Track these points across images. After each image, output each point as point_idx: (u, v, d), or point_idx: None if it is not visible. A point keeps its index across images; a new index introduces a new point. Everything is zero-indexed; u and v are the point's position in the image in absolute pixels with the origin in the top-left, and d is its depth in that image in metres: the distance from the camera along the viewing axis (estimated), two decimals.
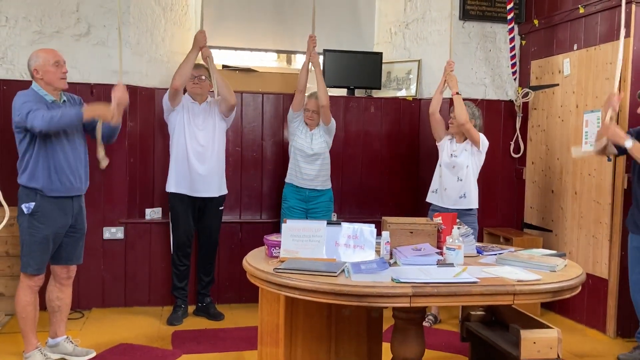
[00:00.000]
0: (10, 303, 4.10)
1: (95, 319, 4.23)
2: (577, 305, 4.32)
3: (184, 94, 4.23)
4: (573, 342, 3.91)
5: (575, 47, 4.43)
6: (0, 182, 2.88)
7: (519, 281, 2.39)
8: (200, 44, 4.06)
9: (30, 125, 3.05)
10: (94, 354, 3.49)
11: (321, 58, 4.98)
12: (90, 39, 4.36)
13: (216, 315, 4.29)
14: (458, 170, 4.06)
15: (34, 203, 3.16)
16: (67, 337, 3.49)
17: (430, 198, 4.19)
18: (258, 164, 4.85)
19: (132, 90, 4.50)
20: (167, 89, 4.61)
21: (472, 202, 4.08)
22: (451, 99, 4.10)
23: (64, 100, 3.30)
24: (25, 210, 3.17)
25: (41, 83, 3.21)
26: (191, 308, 4.38)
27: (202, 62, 4.22)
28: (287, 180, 4.36)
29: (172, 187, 4.16)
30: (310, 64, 4.20)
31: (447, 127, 4.21)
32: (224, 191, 4.31)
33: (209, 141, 4.15)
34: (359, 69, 5.07)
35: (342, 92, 5.14)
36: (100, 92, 4.37)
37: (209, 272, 4.36)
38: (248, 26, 5.28)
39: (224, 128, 4.29)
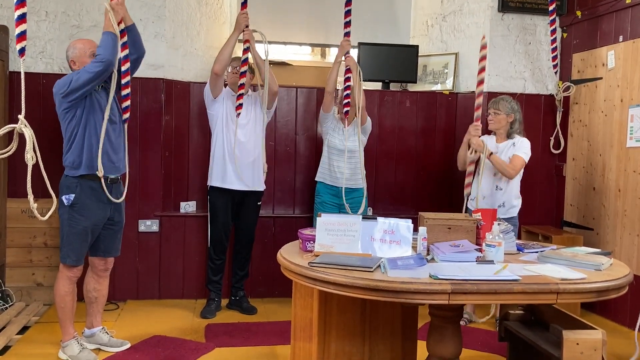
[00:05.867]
0: (49, 293, 4.19)
1: (130, 310, 4.27)
2: (620, 306, 4.17)
3: (225, 87, 4.22)
4: (616, 344, 3.78)
5: (620, 38, 4.27)
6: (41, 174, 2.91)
7: (562, 280, 2.30)
8: (241, 26, 4.00)
9: (87, 77, 3.08)
10: (128, 345, 3.52)
11: (356, 51, 4.94)
12: None
13: (249, 309, 4.29)
14: (498, 179, 3.95)
15: (73, 195, 3.21)
16: (103, 328, 3.53)
17: (469, 205, 4.10)
18: (291, 158, 4.82)
19: (168, 84, 4.54)
20: (202, 83, 4.64)
21: (512, 211, 3.97)
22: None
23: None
24: (65, 201, 3.22)
25: None
26: (224, 301, 4.40)
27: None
28: (318, 179, 4.31)
29: (214, 180, 4.16)
30: (343, 64, 4.12)
31: (487, 126, 4.10)
32: (264, 186, 4.30)
33: (250, 133, 4.12)
34: (395, 62, 5.00)
35: (377, 85, 5.07)
36: (135, 85, 4.40)
37: (243, 267, 4.36)
38: (282, 20, 5.26)
39: (265, 121, 4.25)
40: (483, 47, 3.98)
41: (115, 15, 3.19)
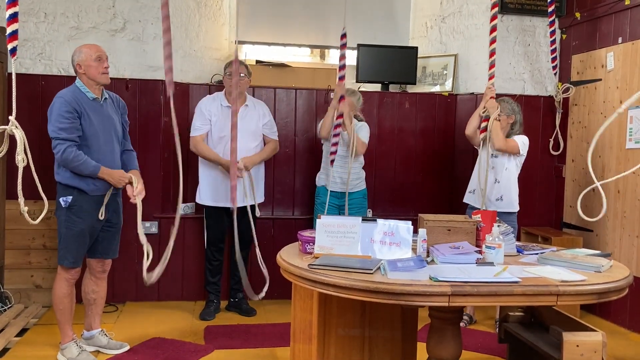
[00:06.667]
0: (48, 295, 4.18)
1: (129, 312, 4.26)
2: (620, 307, 4.17)
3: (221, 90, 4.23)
4: (616, 346, 3.78)
5: (619, 40, 4.27)
6: (39, 176, 2.91)
7: (562, 281, 2.30)
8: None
9: (54, 150, 3.13)
10: (127, 348, 3.51)
11: (355, 53, 4.94)
12: (125, 34, 4.39)
13: (248, 311, 4.28)
14: (497, 172, 3.96)
15: (71, 197, 3.20)
16: (101, 330, 3.52)
17: (468, 198, 4.10)
18: (291, 160, 4.82)
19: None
20: (201, 84, 4.67)
21: (511, 205, 3.96)
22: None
23: (105, 99, 3.32)
24: (62, 204, 3.21)
25: (84, 78, 3.24)
26: (223, 303, 4.39)
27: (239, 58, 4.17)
28: (318, 183, 4.28)
29: (203, 199, 4.17)
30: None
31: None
32: (261, 199, 4.27)
33: (246, 149, 4.02)
34: (394, 63, 5.00)
35: (376, 87, 5.07)
36: (135, 87, 4.41)
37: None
38: (281, 21, 5.26)
39: (261, 134, 4.19)
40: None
41: (117, 185, 3.28)
